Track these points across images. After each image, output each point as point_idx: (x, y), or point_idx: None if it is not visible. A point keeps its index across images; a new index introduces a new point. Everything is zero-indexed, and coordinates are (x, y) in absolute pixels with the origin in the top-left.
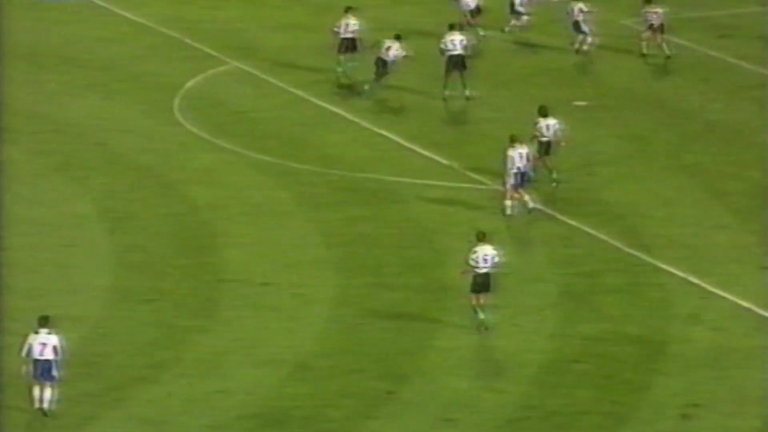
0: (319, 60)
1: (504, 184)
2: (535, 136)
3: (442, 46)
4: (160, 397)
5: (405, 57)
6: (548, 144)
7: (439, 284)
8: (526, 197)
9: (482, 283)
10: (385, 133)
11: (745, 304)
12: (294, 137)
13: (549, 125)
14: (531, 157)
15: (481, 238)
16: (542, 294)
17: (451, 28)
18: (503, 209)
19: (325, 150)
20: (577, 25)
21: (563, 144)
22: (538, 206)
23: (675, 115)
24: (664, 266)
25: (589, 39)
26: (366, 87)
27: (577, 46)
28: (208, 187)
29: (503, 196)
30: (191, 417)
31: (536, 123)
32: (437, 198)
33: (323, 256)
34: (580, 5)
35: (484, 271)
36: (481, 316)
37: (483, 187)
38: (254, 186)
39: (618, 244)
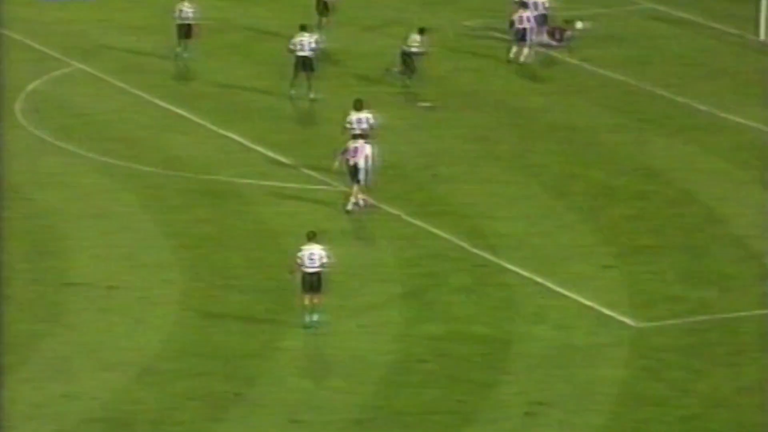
0: (163, 62)
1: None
2: (346, 128)
3: (291, 46)
4: (4, 403)
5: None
6: (363, 137)
7: (286, 285)
8: (360, 195)
9: (311, 283)
10: (230, 134)
11: (587, 302)
12: (139, 139)
13: (360, 118)
14: (373, 158)
15: (311, 237)
16: (388, 294)
17: (302, 29)
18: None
19: (171, 152)
20: (520, 34)
21: (375, 138)
22: (362, 205)
23: (518, 116)
24: (509, 266)
25: (526, 50)
26: (394, 69)
27: (512, 56)
28: (53, 190)
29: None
30: (37, 422)
31: (348, 116)
32: (283, 199)
33: (169, 259)
34: (528, 14)
35: (312, 270)
36: (314, 317)
37: (328, 188)
38: (99, 189)
39: (463, 244)
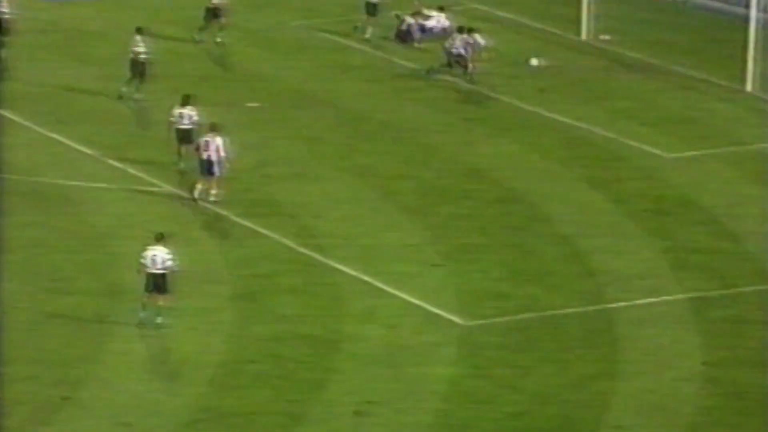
0: None
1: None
2: (171, 123)
3: (130, 49)
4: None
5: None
6: (186, 132)
7: (114, 288)
8: (213, 191)
9: (155, 284)
10: (56, 136)
11: (416, 301)
12: None
13: (183, 114)
14: (225, 149)
15: (159, 238)
16: (217, 295)
17: (138, 31)
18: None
19: None
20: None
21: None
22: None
23: (346, 116)
24: (338, 266)
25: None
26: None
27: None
28: None
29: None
30: None
31: (172, 110)
32: (111, 201)
33: None
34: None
35: (156, 272)
36: (159, 318)
37: (157, 189)
38: None
39: (292, 245)
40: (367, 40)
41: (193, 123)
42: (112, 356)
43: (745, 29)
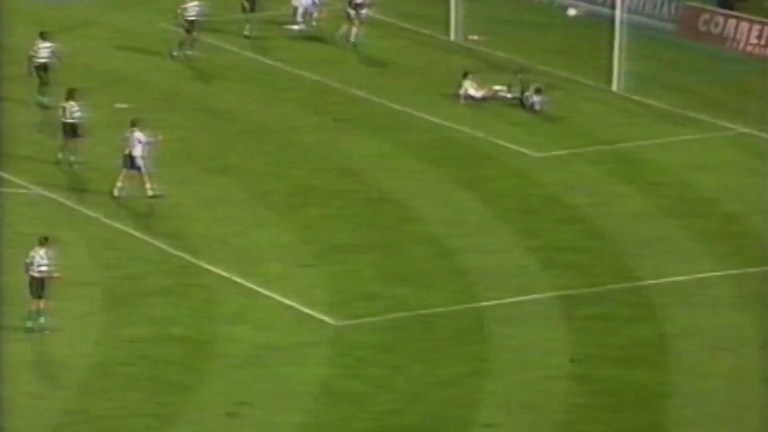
0: None
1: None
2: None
3: (32, 53)
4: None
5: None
6: (72, 127)
7: None
8: (147, 185)
9: (36, 287)
10: None
11: (287, 301)
12: None
13: (65, 107)
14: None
15: (43, 242)
16: (87, 298)
17: (41, 35)
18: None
19: None
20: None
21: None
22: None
23: (216, 117)
24: (209, 267)
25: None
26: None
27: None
28: None
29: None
30: None
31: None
32: None
33: None
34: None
35: (36, 275)
36: (41, 319)
37: (23, 191)
38: None
39: (162, 246)
40: (247, 37)
41: (76, 117)
42: None
43: (611, 30)
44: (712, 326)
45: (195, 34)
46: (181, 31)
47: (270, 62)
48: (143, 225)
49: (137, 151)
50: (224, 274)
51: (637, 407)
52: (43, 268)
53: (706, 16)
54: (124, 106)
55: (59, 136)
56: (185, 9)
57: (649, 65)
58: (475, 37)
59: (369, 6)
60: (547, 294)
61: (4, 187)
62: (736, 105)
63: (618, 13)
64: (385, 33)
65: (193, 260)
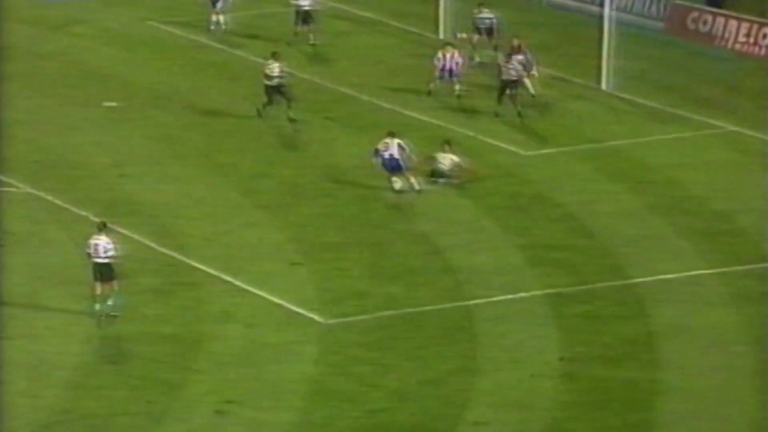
0: None
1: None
2: None
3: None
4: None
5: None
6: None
7: None
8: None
9: (101, 272)
10: None
11: (276, 300)
12: None
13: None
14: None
15: (101, 228)
16: (76, 296)
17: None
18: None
19: None
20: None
21: None
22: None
23: (204, 115)
24: (198, 265)
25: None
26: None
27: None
28: None
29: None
30: None
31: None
32: None
33: None
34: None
35: (100, 261)
36: (109, 302)
37: (14, 190)
38: None
39: (151, 244)
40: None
41: None
42: None
43: (600, 27)
44: (701, 324)
45: (313, 26)
46: (297, 24)
47: (260, 60)
48: (132, 223)
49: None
50: (213, 272)
51: (626, 405)
52: (111, 253)
53: (695, 14)
54: (113, 104)
55: None
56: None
57: (637, 63)
58: (464, 35)
59: None
60: (536, 292)
61: None
62: (725, 103)
63: (606, 11)
64: (374, 31)
65: (182, 258)
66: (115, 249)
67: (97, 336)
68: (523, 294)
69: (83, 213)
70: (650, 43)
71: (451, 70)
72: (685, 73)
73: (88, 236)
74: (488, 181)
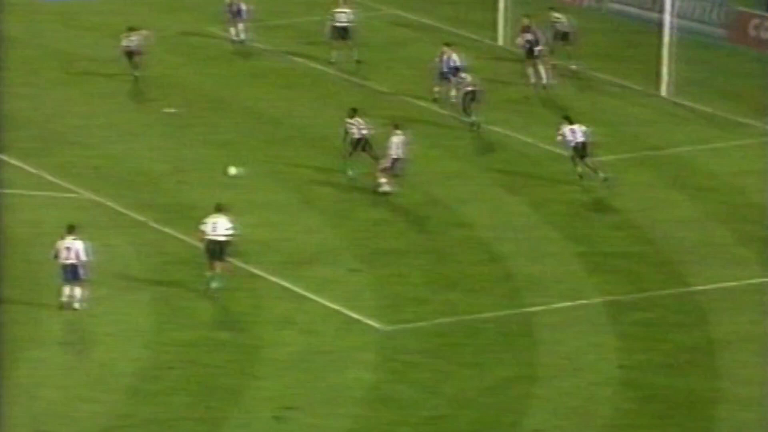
0: None
1: (380, 165)
2: None
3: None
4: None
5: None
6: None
7: (31, 296)
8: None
9: (214, 250)
10: None
11: (334, 306)
12: None
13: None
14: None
15: (219, 208)
16: (136, 301)
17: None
18: (377, 186)
19: None
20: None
21: None
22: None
23: (263, 121)
24: (256, 271)
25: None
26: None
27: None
28: None
29: (377, 175)
30: None
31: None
32: (27, 208)
33: None
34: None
35: (215, 238)
36: (214, 284)
37: (73, 195)
38: None
39: None
40: (332, 63)
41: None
42: (29, 363)
43: (660, 34)
44: (762, 332)
45: (350, 42)
46: (332, 39)
47: (320, 68)
48: (190, 229)
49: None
50: (272, 278)
51: (685, 413)
52: (230, 232)
53: (756, 21)
54: (173, 110)
55: None
56: (334, 15)
57: (697, 70)
58: (520, 41)
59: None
60: (596, 299)
61: (55, 191)
62: None
63: (667, 18)
64: (434, 38)
65: (241, 264)
66: (234, 228)
67: (157, 342)
68: (582, 301)
69: (142, 218)
70: (710, 50)
71: (452, 70)
72: (746, 79)
73: (148, 242)
74: (547, 187)
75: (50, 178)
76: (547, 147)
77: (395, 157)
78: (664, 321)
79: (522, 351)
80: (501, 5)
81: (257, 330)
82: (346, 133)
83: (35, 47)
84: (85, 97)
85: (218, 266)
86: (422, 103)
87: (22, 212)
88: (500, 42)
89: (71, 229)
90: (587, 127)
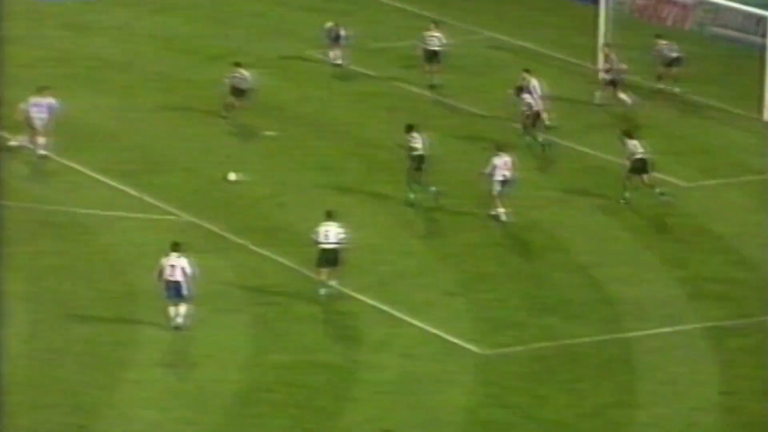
0: (5, 91)
1: (491, 192)
2: None
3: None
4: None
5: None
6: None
7: (131, 317)
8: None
9: (327, 258)
10: (73, 164)
11: (432, 330)
12: None
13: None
14: (514, 165)
15: (330, 215)
16: (235, 324)
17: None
18: (496, 216)
19: (12, 183)
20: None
21: None
22: (512, 219)
23: (361, 144)
24: (354, 294)
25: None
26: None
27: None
28: None
29: (492, 205)
30: None
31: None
32: (128, 230)
33: (12, 291)
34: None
35: (328, 246)
36: (323, 291)
37: (173, 218)
38: None
39: (308, 273)
40: (433, 87)
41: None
42: (129, 385)
43: (762, 58)
44: None
45: (437, 66)
46: (424, 62)
47: (416, 90)
48: (289, 252)
49: (511, 175)
50: (370, 301)
51: None
52: (342, 236)
53: None
54: (272, 133)
55: None
56: (425, 39)
57: None
58: (625, 66)
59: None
60: (696, 325)
61: (155, 214)
62: None
63: None
64: (534, 62)
65: (339, 287)
66: (346, 234)
67: (255, 364)
68: (682, 327)
69: (241, 241)
70: None
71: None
72: None
73: (247, 265)
74: (647, 211)
75: (150, 200)
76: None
77: (502, 179)
78: (765, 347)
79: (621, 376)
80: (601, 30)
81: (355, 353)
82: (408, 150)
83: (134, 71)
84: (184, 120)
85: (326, 273)
86: (517, 125)
87: (122, 234)
88: (601, 66)
89: (176, 247)
90: (644, 144)
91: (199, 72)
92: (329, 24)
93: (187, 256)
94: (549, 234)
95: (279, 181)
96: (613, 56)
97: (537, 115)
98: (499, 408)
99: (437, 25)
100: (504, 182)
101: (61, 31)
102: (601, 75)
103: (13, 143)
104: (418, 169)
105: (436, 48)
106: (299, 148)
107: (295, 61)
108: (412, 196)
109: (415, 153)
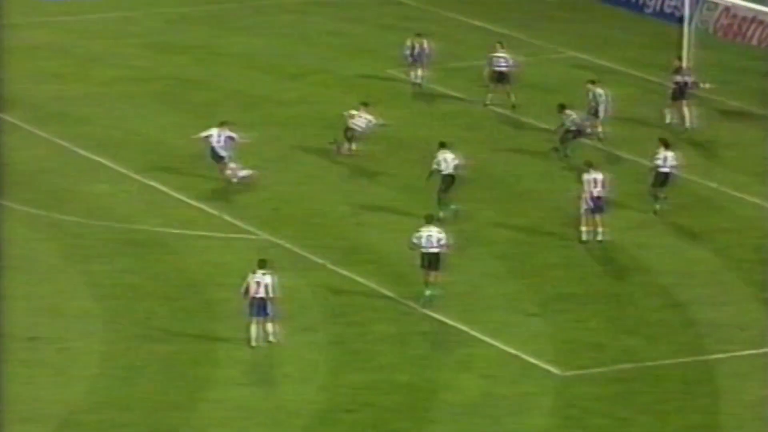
0: (85, 110)
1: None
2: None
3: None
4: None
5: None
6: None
7: (210, 336)
8: (600, 228)
9: (429, 262)
10: (153, 183)
11: (512, 351)
12: (59, 188)
13: (446, 158)
14: (606, 183)
15: (429, 220)
16: (313, 344)
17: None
18: (579, 235)
19: (92, 201)
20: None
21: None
22: (607, 237)
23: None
24: (433, 314)
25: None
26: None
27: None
28: None
29: (578, 223)
30: None
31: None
32: (207, 249)
33: (91, 309)
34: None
35: (431, 251)
36: (427, 292)
37: (252, 237)
38: (19, 239)
39: (388, 293)
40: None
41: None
42: (208, 404)
43: None
44: None
45: (508, 86)
46: (490, 82)
47: (499, 110)
48: (368, 271)
49: (602, 192)
50: (448, 321)
51: None
52: (443, 241)
53: None
54: (351, 152)
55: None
56: (492, 60)
57: None
58: (707, 85)
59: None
60: None
61: (235, 233)
62: None
63: None
64: (615, 81)
65: (417, 307)
66: (447, 239)
67: (334, 384)
68: (766, 349)
69: (320, 260)
70: None
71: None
72: None
73: (326, 284)
74: (730, 233)
75: (229, 219)
76: (732, 192)
77: (595, 195)
78: None
79: (703, 399)
80: (685, 49)
81: (433, 373)
82: (435, 167)
83: (215, 89)
84: (264, 138)
85: (432, 276)
86: (600, 146)
87: (201, 254)
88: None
89: (262, 264)
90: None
91: (279, 90)
92: (410, 41)
93: (272, 274)
94: (630, 255)
95: (359, 200)
96: (686, 70)
97: (579, 133)
98: (579, 429)
99: (503, 45)
100: (594, 200)
101: (140, 50)
102: (670, 83)
103: (242, 173)
104: (446, 189)
105: (504, 68)
106: (379, 167)
107: (374, 79)
108: (441, 215)
109: (443, 173)
